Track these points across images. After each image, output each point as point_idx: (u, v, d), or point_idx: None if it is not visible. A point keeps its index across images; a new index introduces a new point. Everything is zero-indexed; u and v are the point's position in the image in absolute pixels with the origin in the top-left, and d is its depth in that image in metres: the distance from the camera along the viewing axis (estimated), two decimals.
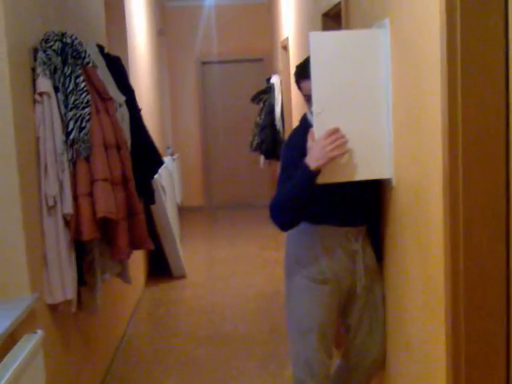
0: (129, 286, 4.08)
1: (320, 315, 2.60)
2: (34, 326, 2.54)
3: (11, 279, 2.56)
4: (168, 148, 8.20)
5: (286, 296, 2.74)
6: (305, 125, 2.61)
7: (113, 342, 4.21)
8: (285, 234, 2.75)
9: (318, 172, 2.34)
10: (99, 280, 3.06)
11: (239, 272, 6.19)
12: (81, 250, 2.94)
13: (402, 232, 2.36)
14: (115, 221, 2.95)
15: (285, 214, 2.46)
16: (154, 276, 6.11)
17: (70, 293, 2.78)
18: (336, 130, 2.34)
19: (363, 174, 2.45)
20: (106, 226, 2.99)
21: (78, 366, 3.28)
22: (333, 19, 3.87)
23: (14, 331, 2.33)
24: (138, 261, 5.30)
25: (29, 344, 2.30)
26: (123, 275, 3.39)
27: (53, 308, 2.81)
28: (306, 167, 2.33)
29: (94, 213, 2.81)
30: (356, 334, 2.72)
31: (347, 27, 3.18)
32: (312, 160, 2.32)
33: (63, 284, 2.75)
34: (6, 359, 2.16)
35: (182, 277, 6.05)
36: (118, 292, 4.35)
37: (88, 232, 2.79)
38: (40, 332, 2.42)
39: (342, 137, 2.34)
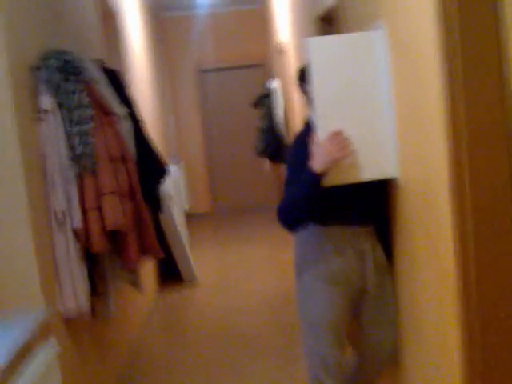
0: (141, 293, 4.11)
1: (332, 315, 2.61)
2: (48, 338, 2.58)
3: (25, 293, 2.60)
4: (172, 156, 8.24)
5: (297, 297, 2.74)
6: (309, 128, 2.63)
7: (127, 349, 4.25)
8: (293, 236, 2.78)
9: (323, 175, 2.35)
10: (111, 289, 3.11)
11: (249, 275, 6.22)
12: (92, 261, 2.99)
13: (411, 229, 2.36)
14: (124, 232, 3.00)
15: (292, 216, 2.48)
16: (165, 282, 6.15)
17: (84, 303, 2.82)
18: (339, 133, 2.35)
19: (369, 174, 2.46)
20: (115, 237, 3.04)
21: (95, 374, 3.32)
22: (327, 23, 3.90)
23: (29, 344, 2.37)
24: (149, 268, 5.34)
25: (44, 356, 2.33)
26: (135, 283, 3.43)
27: (67, 320, 2.86)
28: (310, 171, 2.35)
29: (103, 226, 2.86)
30: (368, 332, 2.74)
31: (342, 30, 3.20)
32: (316, 163, 2.34)
33: (76, 295, 2.79)
34: (22, 372, 2.19)
35: (193, 282, 6.09)
36: (131, 299, 4.39)
37: (98, 245, 2.84)
38: (55, 343, 2.46)
39: (345, 139, 2.36)
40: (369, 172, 2.46)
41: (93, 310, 3.06)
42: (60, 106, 2.84)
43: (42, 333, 2.52)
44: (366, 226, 2.65)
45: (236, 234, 8.27)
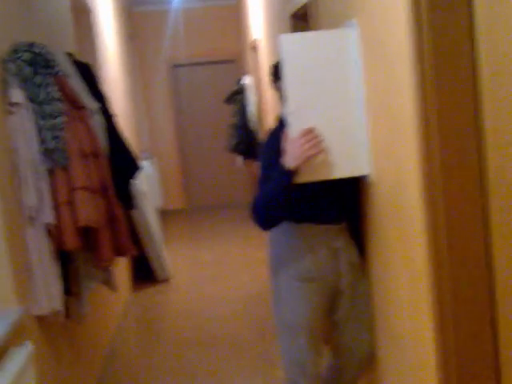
0: (115, 293, 4.07)
1: (308, 313, 2.61)
2: (22, 339, 2.52)
3: None
4: (144, 152, 8.18)
5: (272, 296, 2.74)
6: (282, 125, 2.63)
7: (102, 349, 4.20)
8: (267, 233, 2.76)
9: (294, 172, 2.35)
10: (85, 288, 3.06)
11: (224, 273, 6.20)
12: (65, 259, 2.94)
13: (383, 227, 2.37)
14: (97, 229, 2.95)
15: (265, 214, 2.47)
16: (139, 281, 6.10)
17: (57, 302, 2.77)
18: (311, 130, 2.36)
19: (341, 171, 2.47)
20: (88, 234, 2.99)
21: (69, 376, 3.27)
22: (301, 19, 3.89)
23: (2, 345, 2.31)
24: (122, 267, 5.29)
25: (18, 357, 2.29)
26: (108, 282, 3.38)
27: (40, 319, 2.80)
28: (282, 167, 2.35)
29: (75, 222, 2.81)
30: (343, 331, 2.74)
31: (315, 27, 3.20)
32: (288, 160, 2.34)
33: (49, 295, 2.74)
34: None
35: (167, 280, 6.05)
36: (105, 299, 4.34)
37: (71, 241, 2.79)
38: (29, 344, 2.42)
39: (317, 136, 2.37)
40: (341, 169, 2.46)
41: (66, 310, 3.00)
42: (30, 99, 2.78)
43: (15, 333, 2.46)
44: (339, 224, 2.65)
45: (210, 231, 8.24)
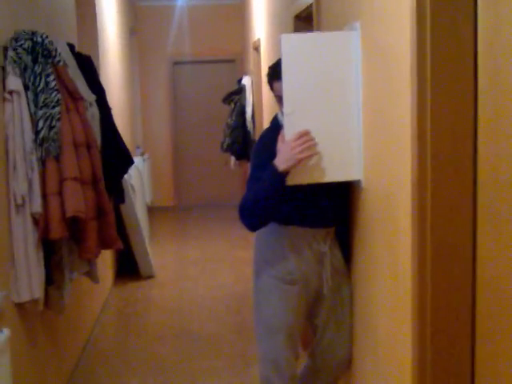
0: (96, 285, 4.06)
1: (288, 315, 2.62)
2: (0, 325, 2.52)
3: None
4: (138, 148, 8.17)
5: (254, 296, 2.75)
6: (276, 126, 2.64)
7: (80, 341, 4.19)
8: (254, 234, 2.77)
9: (286, 173, 2.36)
10: (67, 279, 3.06)
11: (208, 272, 6.20)
12: (49, 249, 2.93)
13: (371, 234, 2.38)
14: (84, 220, 2.95)
15: (253, 214, 2.48)
16: (122, 275, 6.09)
17: (38, 292, 2.77)
18: (306, 133, 2.36)
19: (332, 175, 2.47)
20: (74, 225, 2.99)
21: (45, 365, 3.27)
22: (304, 21, 3.90)
23: None
24: (106, 260, 5.28)
25: None
26: (91, 274, 3.38)
27: (19, 307, 2.80)
28: (274, 168, 2.35)
29: (63, 212, 2.80)
30: (323, 335, 2.75)
31: (318, 29, 3.20)
32: (280, 161, 2.35)
33: (30, 283, 2.74)
34: None
35: (151, 276, 6.04)
36: (86, 291, 4.33)
37: (56, 231, 2.78)
38: (6, 331, 2.41)
39: (312, 139, 2.37)
40: (333, 173, 2.46)
41: (46, 300, 3.00)
42: (27, 87, 2.78)
43: None
44: (326, 228, 2.66)
45: (197, 230, 8.24)
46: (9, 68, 2.69)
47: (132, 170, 5.54)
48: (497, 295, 1.65)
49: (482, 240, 1.73)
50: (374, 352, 2.39)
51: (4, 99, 2.69)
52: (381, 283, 2.26)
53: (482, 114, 1.70)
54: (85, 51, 3.84)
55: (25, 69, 2.78)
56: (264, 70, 6.08)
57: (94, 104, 3.42)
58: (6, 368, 2.39)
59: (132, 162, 3.98)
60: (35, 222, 2.77)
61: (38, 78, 2.82)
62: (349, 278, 2.74)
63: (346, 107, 2.44)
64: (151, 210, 7.78)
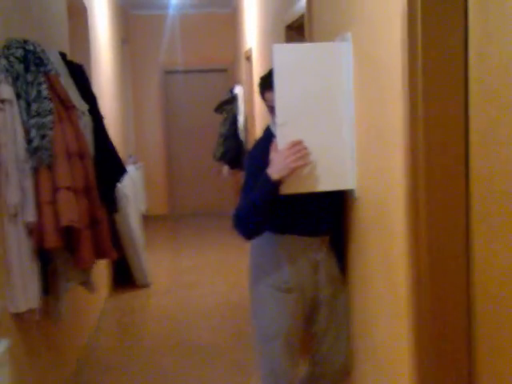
0: (93, 295, 4.04)
1: (285, 323, 2.62)
2: None
3: None
4: (131, 157, 8.15)
5: (251, 305, 2.74)
6: (268, 135, 2.64)
7: (78, 351, 4.17)
8: (249, 243, 2.76)
9: (279, 183, 2.36)
10: (63, 289, 3.04)
11: (203, 280, 6.19)
12: (44, 259, 2.91)
13: (365, 242, 2.38)
14: (78, 229, 2.93)
15: (247, 224, 2.48)
16: (118, 285, 6.06)
17: (34, 302, 2.75)
18: (298, 142, 2.37)
19: (326, 184, 2.47)
20: (69, 235, 2.97)
21: (43, 375, 3.24)
22: (296, 31, 3.91)
23: None
24: (101, 270, 5.25)
25: None
26: (87, 284, 3.36)
27: (17, 317, 2.77)
28: (267, 178, 2.36)
29: (57, 221, 2.79)
30: (321, 343, 2.74)
31: (310, 39, 3.21)
32: (274, 171, 2.35)
33: (26, 293, 2.72)
34: None
35: (146, 286, 6.02)
36: (82, 301, 4.31)
37: (51, 240, 2.76)
38: (5, 341, 2.39)
39: (304, 148, 2.38)
40: (326, 182, 2.47)
41: (43, 310, 2.98)
42: (19, 96, 2.76)
43: None
44: (321, 236, 2.66)
45: (192, 239, 8.23)
46: (1, 76, 2.67)
47: (125, 179, 5.52)
48: (492, 298, 1.65)
49: (476, 244, 1.74)
50: (373, 358, 2.38)
51: None
52: (377, 290, 2.26)
53: (474, 121, 1.71)
54: (77, 60, 3.83)
55: (17, 77, 2.76)
56: (256, 80, 6.08)
57: (87, 113, 3.41)
58: (6, 378, 2.37)
59: (125, 171, 3.96)
60: (29, 231, 2.75)
61: (30, 87, 2.81)
62: (345, 285, 2.73)
63: (338, 117, 2.45)
64: (145, 219, 7.75)
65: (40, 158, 2.77)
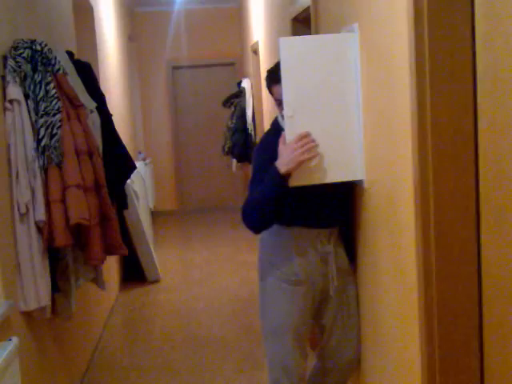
0: (103, 292, 4.07)
1: (294, 316, 2.62)
2: (8, 333, 2.52)
3: None
4: (140, 153, 8.18)
5: (260, 298, 2.75)
6: (276, 128, 2.65)
7: (88, 347, 4.20)
8: (258, 237, 2.77)
9: (287, 175, 2.37)
10: (73, 286, 3.06)
11: (213, 275, 6.20)
12: (54, 256, 2.94)
13: (374, 233, 2.39)
14: (88, 227, 2.95)
15: (256, 217, 2.48)
16: (128, 281, 6.10)
17: (44, 299, 2.78)
18: (306, 135, 2.37)
19: (334, 175, 2.48)
20: (79, 232, 2.99)
21: (54, 372, 3.27)
22: (302, 23, 3.90)
23: None
24: (112, 266, 5.29)
25: (4, 351, 2.29)
26: (97, 281, 3.39)
27: (27, 315, 2.80)
28: (275, 171, 2.36)
29: (66, 219, 2.81)
30: (331, 335, 2.75)
31: (316, 31, 3.20)
32: (282, 163, 2.36)
33: (37, 291, 2.74)
34: None
35: (157, 281, 6.05)
36: (93, 297, 4.34)
37: (61, 238, 2.79)
38: (15, 339, 2.42)
39: (313, 141, 2.38)
40: (335, 173, 2.47)
41: (54, 307, 3.01)
42: (27, 96, 2.78)
43: (1, 328, 2.46)
44: (330, 228, 2.66)
45: (201, 234, 8.23)
46: (9, 77, 2.69)
47: (134, 176, 5.54)
48: (503, 289, 1.65)
49: (486, 234, 1.74)
50: (382, 350, 2.39)
51: (4, 108, 2.69)
52: (386, 282, 2.26)
53: (482, 110, 1.71)
54: (84, 58, 3.84)
55: (25, 77, 2.78)
56: (263, 72, 6.08)
57: (95, 111, 3.42)
58: (16, 376, 2.40)
59: (134, 168, 3.98)
60: (39, 230, 2.77)
61: (38, 87, 2.83)
62: (354, 277, 2.74)
63: (345, 108, 2.45)
64: (155, 215, 7.78)
65: (49, 156, 2.79)
